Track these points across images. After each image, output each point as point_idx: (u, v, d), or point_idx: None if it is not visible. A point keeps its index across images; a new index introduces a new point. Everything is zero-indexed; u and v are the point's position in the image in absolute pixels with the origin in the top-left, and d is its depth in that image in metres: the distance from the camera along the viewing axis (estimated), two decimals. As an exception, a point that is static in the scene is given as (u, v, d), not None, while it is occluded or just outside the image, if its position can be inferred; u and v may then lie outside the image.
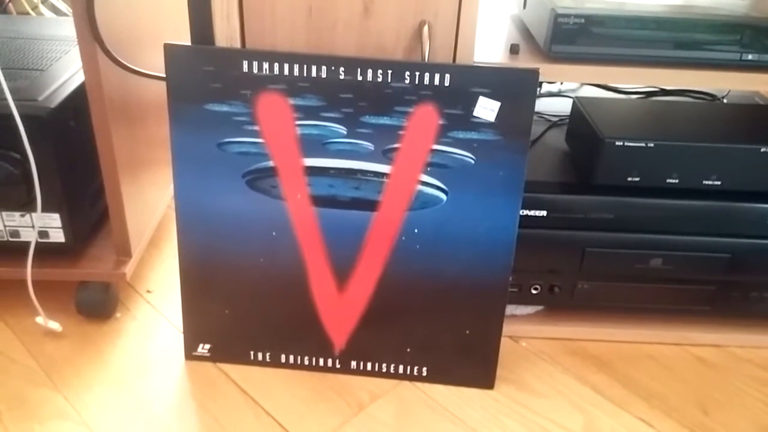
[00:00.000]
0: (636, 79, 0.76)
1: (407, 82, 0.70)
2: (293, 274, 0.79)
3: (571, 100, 0.93)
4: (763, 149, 0.80)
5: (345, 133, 0.73)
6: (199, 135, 0.74)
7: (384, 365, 0.84)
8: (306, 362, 0.84)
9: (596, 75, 0.76)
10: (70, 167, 0.84)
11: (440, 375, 0.84)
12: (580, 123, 0.87)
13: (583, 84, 1.11)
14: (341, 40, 0.73)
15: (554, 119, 1.00)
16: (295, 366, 0.85)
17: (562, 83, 1.11)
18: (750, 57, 0.74)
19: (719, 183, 0.82)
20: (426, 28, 0.71)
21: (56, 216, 0.85)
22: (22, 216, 0.85)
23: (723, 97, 1.06)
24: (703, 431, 0.79)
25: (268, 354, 0.84)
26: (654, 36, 0.74)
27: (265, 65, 0.71)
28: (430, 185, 0.74)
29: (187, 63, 0.71)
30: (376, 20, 0.72)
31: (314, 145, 0.74)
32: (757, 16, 0.75)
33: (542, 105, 1.05)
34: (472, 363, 0.83)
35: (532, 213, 0.83)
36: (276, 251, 0.78)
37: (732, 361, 0.90)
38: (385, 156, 0.74)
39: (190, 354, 0.85)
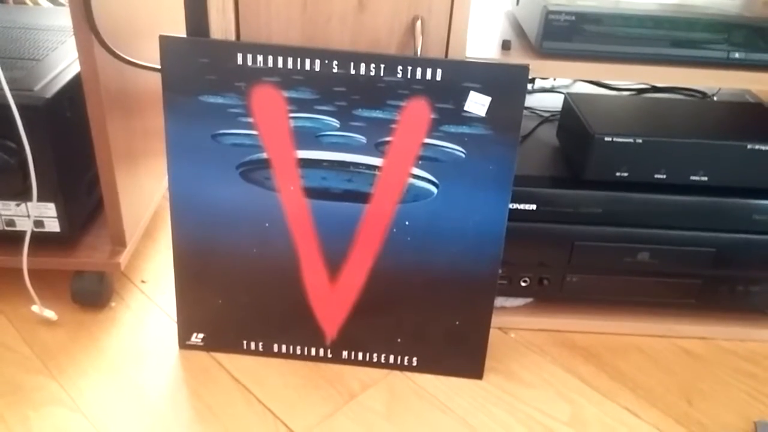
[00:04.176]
0: (626, 76, 0.77)
1: (400, 76, 0.71)
2: (286, 264, 0.80)
3: (563, 96, 0.94)
4: (749, 146, 0.81)
5: (338, 126, 0.74)
6: (194, 126, 0.75)
7: (375, 355, 0.85)
8: (298, 352, 0.85)
9: (587, 72, 0.77)
10: (66, 157, 0.85)
11: (430, 365, 0.85)
12: (571, 118, 0.88)
13: (575, 80, 1.12)
14: (336, 34, 0.74)
15: (546, 115, 1.01)
16: (287, 355, 0.86)
17: (555, 79, 1.12)
18: (737, 55, 0.75)
19: (706, 179, 0.83)
20: (419, 23, 0.72)
21: (51, 206, 0.85)
22: (18, 205, 0.85)
23: (713, 95, 1.07)
24: (686, 421, 0.81)
25: (260, 343, 0.85)
26: (644, 34, 0.74)
27: (260, 58, 0.71)
28: (422, 178, 0.75)
29: (183, 55, 0.72)
30: (370, 15, 0.73)
31: (307, 137, 0.74)
32: (748, 15, 0.76)
33: (535, 100, 1.06)
34: (462, 353, 0.84)
35: (522, 206, 0.84)
36: (269, 242, 0.79)
37: (718, 353, 0.91)
38: (378, 149, 0.75)
39: (183, 343, 0.86)
